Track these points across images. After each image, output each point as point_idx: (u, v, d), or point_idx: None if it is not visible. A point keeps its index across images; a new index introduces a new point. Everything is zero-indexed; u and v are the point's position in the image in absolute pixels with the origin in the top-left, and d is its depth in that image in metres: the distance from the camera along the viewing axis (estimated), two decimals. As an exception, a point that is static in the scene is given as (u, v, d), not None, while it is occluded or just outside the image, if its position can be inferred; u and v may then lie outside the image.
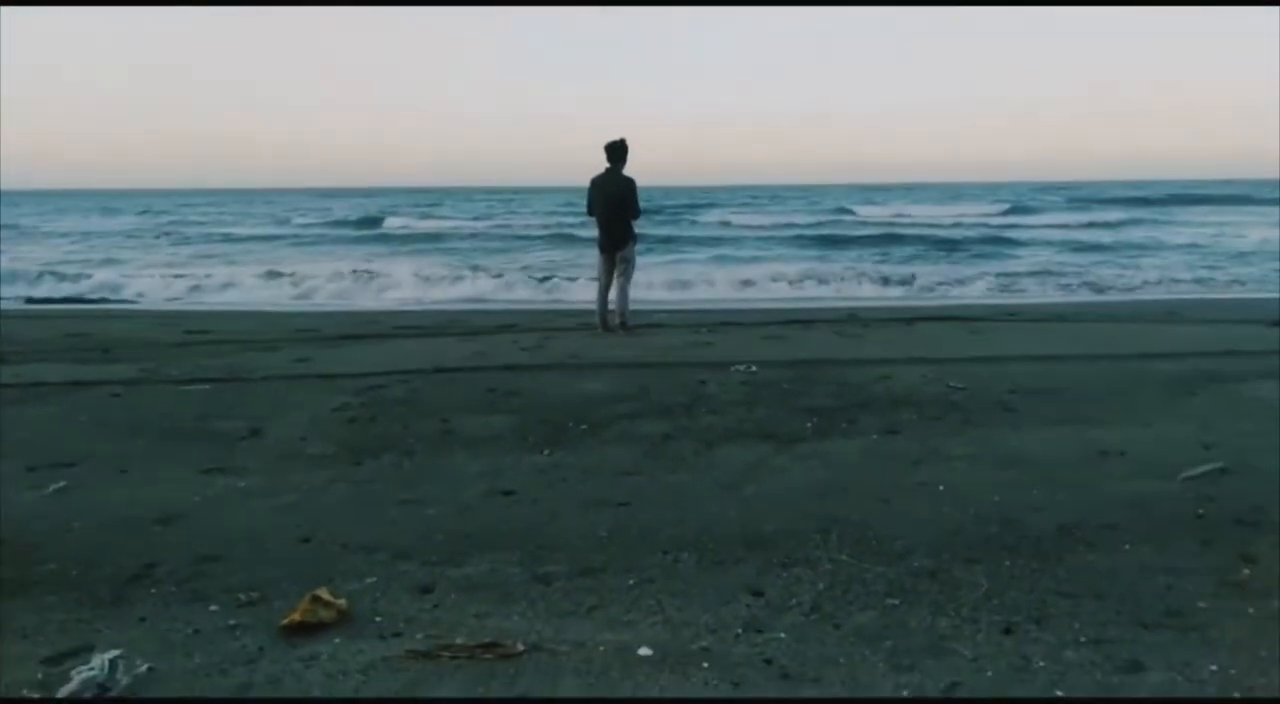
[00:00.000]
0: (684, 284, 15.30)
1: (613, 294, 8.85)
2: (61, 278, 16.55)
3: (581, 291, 14.06)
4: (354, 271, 16.38)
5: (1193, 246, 22.88)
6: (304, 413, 5.39)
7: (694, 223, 34.51)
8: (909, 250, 22.48)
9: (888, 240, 25.16)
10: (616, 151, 8.50)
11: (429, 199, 67.53)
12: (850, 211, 40.24)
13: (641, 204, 8.66)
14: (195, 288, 15.59)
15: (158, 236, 31.03)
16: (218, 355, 7.58)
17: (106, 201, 67.60)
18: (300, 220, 39.38)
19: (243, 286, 15.75)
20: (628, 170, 8.60)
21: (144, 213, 48.34)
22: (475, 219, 39.84)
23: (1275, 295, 13.76)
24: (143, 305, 14.01)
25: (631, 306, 8.99)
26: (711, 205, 47.61)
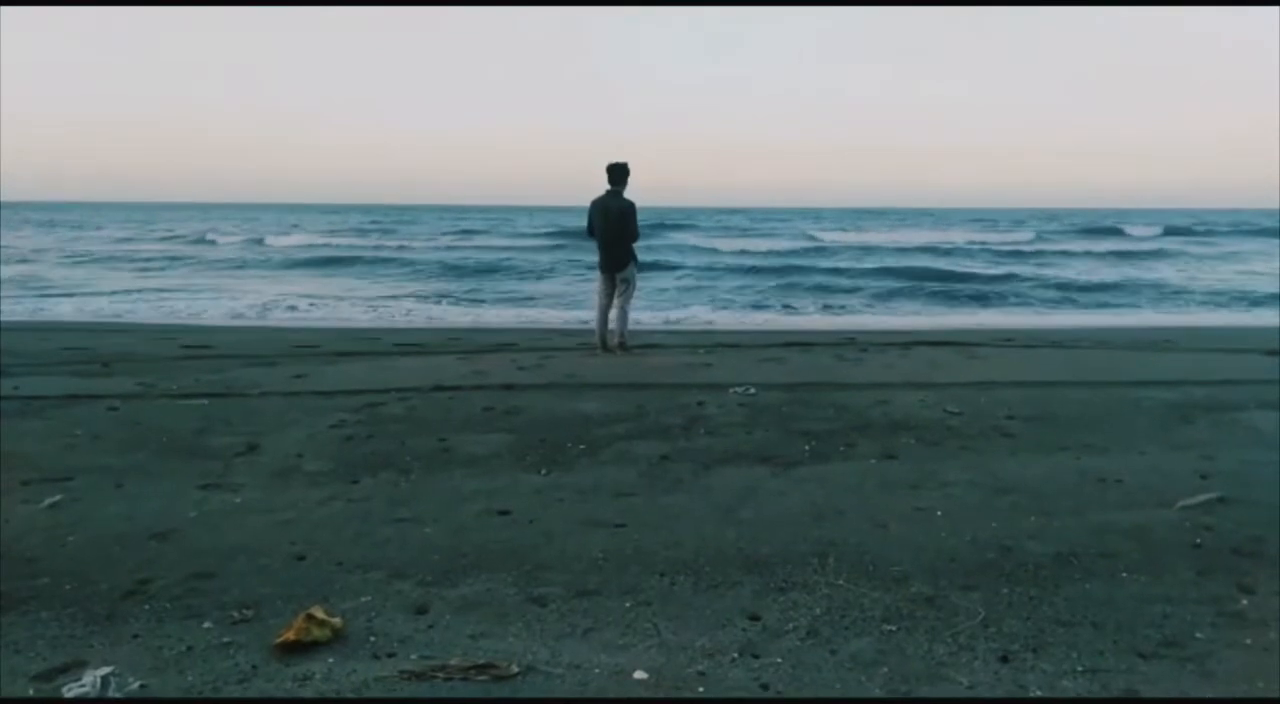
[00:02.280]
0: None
1: (613, 314, 8.86)
2: None
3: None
4: None
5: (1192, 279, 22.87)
6: (301, 430, 5.38)
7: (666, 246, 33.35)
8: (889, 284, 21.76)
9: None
10: (618, 173, 8.53)
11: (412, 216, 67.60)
12: (815, 238, 39.65)
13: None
14: None
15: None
16: (216, 370, 7.58)
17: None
18: (220, 238, 37.95)
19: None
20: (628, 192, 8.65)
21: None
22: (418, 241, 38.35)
23: (1272, 324, 13.80)
24: (142, 319, 14.02)
25: (630, 326, 9.01)
26: (693, 226, 47.20)
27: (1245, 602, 3.03)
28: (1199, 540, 3.59)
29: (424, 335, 10.89)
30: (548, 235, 41.07)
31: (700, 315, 14.87)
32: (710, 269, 25.00)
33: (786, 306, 16.46)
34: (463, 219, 65.33)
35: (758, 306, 16.55)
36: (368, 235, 42.04)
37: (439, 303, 17.22)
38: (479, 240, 38.94)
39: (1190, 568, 3.32)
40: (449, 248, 34.03)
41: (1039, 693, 2.46)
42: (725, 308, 15.99)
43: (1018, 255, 30.09)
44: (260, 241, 36.34)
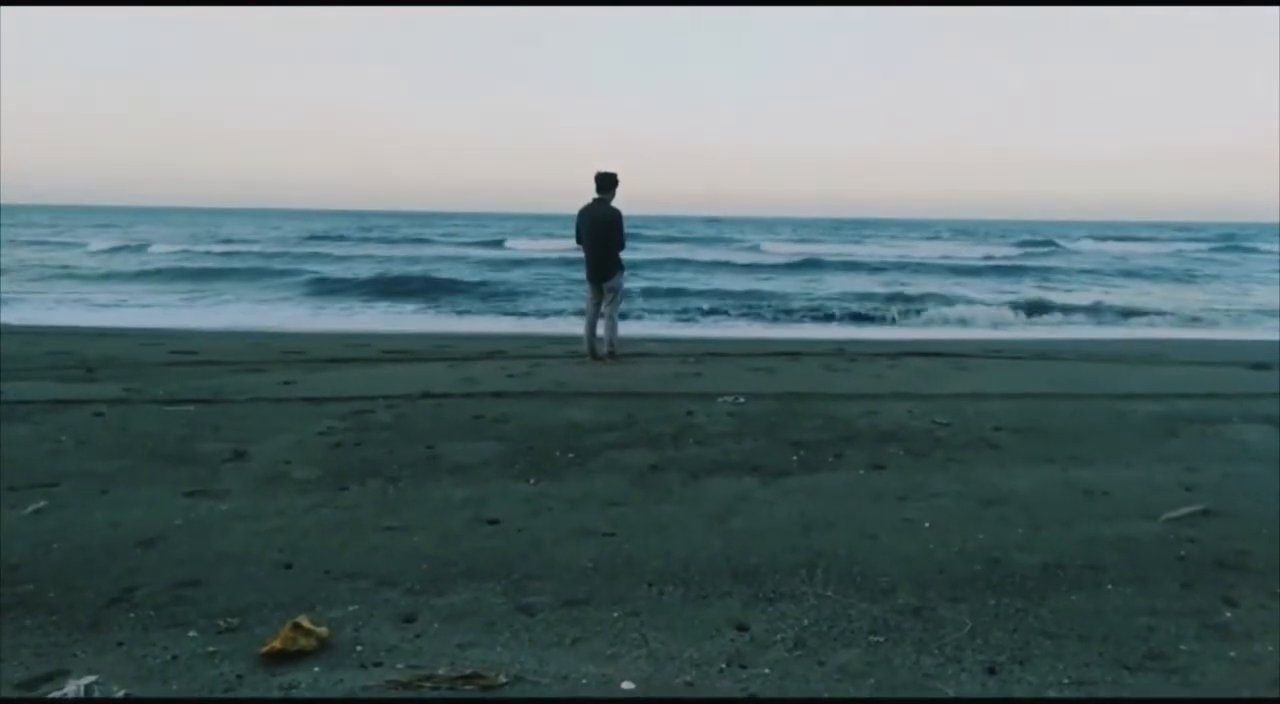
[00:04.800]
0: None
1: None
2: None
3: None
4: None
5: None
6: (289, 436, 5.36)
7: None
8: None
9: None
10: (606, 182, 8.54)
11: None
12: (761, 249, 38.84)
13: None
14: None
15: None
16: (203, 376, 7.54)
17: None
18: (96, 245, 36.22)
19: None
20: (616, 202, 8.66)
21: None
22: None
23: (1255, 337, 13.93)
24: (128, 323, 13.95)
25: (619, 333, 9.02)
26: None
27: (1229, 614, 3.05)
28: (1184, 553, 3.62)
29: (413, 342, 10.87)
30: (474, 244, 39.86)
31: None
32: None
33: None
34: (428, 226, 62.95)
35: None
36: (286, 242, 40.06)
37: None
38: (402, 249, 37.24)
39: (1175, 580, 3.34)
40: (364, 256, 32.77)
41: None
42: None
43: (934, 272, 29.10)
44: (144, 248, 34.71)
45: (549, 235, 47.38)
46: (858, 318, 16.88)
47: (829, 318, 16.92)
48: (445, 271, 26.65)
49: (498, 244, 40.14)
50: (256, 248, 35.94)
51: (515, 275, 26.23)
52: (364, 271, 26.34)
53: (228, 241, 39.73)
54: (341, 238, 44.98)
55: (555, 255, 32.28)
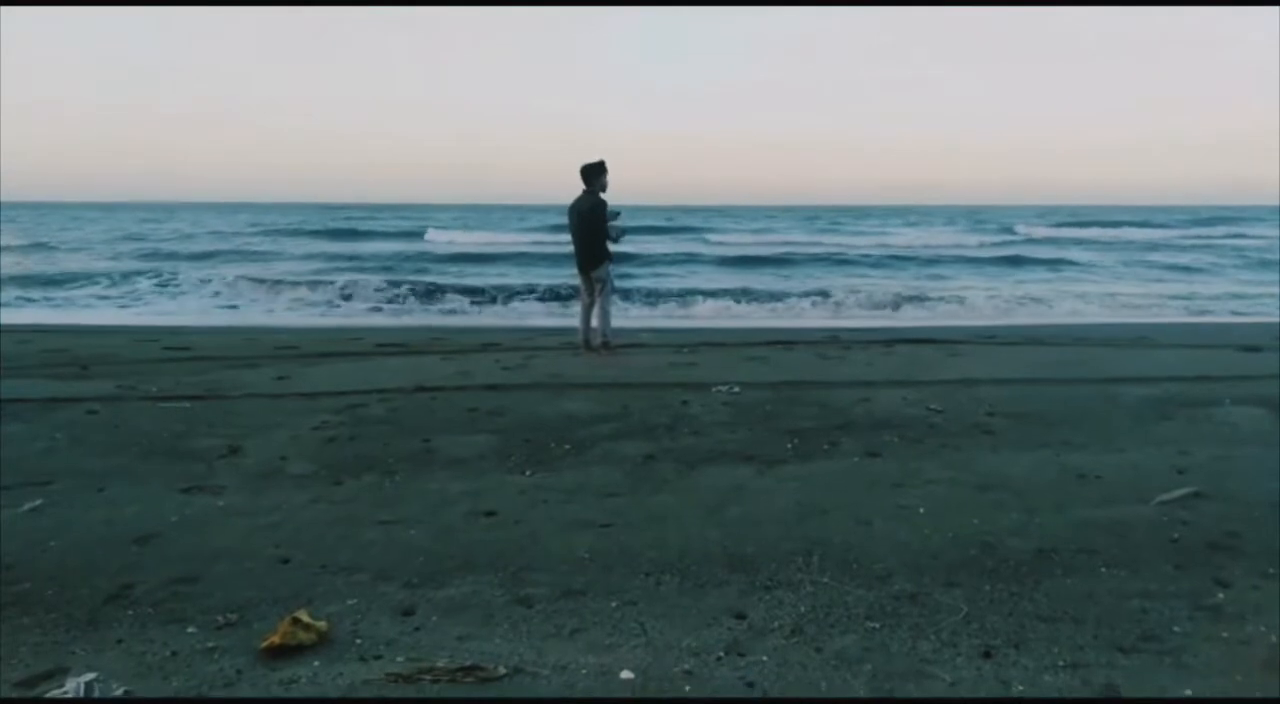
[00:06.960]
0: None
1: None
2: None
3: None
4: None
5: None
6: (284, 431, 5.36)
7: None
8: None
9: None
10: (588, 173, 8.53)
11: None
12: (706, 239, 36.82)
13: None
14: None
15: None
16: (197, 372, 7.52)
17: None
18: None
19: None
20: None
21: None
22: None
23: (1244, 320, 14.01)
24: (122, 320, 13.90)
25: (613, 324, 9.03)
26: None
27: (1222, 595, 3.08)
28: (1176, 535, 3.64)
29: (406, 335, 10.86)
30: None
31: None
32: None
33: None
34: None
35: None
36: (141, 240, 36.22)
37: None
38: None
39: (1168, 562, 3.37)
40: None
41: (1021, 689, 2.49)
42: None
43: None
44: (43, 247, 31.52)
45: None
46: (850, 307, 16.84)
47: (820, 307, 16.88)
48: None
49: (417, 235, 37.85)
50: (189, 245, 33.01)
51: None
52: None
53: (139, 239, 36.53)
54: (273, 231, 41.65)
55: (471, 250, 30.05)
